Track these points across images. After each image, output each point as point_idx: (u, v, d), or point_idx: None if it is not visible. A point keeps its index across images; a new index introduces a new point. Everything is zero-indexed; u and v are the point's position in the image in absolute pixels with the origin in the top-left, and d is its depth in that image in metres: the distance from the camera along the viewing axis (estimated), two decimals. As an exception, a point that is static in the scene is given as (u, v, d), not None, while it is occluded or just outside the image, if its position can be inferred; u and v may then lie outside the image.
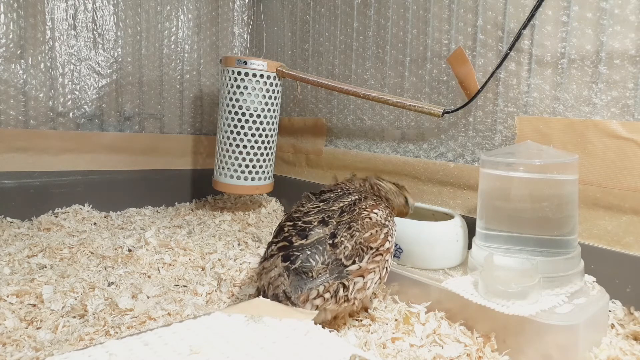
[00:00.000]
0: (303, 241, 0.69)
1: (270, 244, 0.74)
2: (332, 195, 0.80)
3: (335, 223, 0.72)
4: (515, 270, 0.70)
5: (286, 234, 0.72)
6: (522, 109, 0.96)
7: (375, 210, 0.77)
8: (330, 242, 0.69)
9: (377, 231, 0.74)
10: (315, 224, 0.72)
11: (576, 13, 0.87)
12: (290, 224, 0.74)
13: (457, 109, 1.05)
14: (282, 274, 0.67)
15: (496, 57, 1.00)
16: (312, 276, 0.67)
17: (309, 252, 0.68)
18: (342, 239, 0.70)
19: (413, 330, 0.73)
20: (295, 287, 0.66)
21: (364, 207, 0.76)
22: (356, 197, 0.79)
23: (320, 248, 0.69)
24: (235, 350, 0.52)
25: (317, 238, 0.70)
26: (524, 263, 0.72)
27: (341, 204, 0.76)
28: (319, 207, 0.76)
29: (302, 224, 0.72)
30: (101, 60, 1.47)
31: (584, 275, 0.78)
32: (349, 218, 0.73)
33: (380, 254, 0.73)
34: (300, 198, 0.83)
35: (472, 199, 1.04)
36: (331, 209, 0.75)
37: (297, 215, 0.76)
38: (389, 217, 0.79)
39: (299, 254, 0.68)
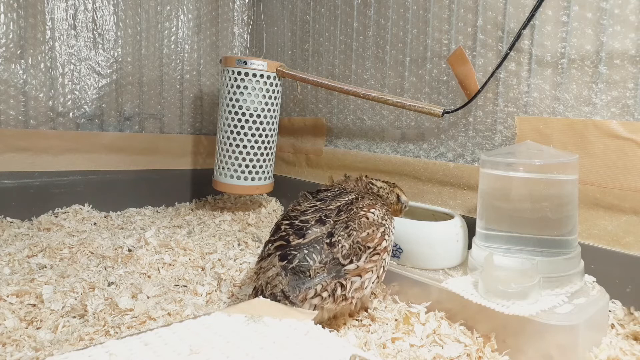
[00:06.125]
0: (300, 240, 0.69)
1: (267, 243, 0.74)
2: (329, 195, 0.80)
3: (332, 222, 0.72)
4: (515, 270, 0.70)
5: (283, 233, 0.72)
6: (522, 109, 0.96)
7: (372, 210, 0.77)
8: (328, 241, 0.69)
9: (373, 231, 0.74)
10: (313, 223, 0.72)
11: (576, 13, 0.87)
12: (287, 222, 0.74)
13: (457, 109, 1.05)
14: (280, 273, 0.67)
15: (496, 57, 1.00)
16: (310, 275, 0.67)
17: (306, 251, 0.68)
18: (340, 238, 0.70)
19: (413, 330, 0.73)
20: (293, 287, 0.66)
21: (360, 206, 0.76)
22: (353, 196, 0.79)
23: (318, 247, 0.69)
24: (235, 350, 0.52)
25: (314, 237, 0.70)
26: (524, 263, 0.72)
27: (338, 204, 0.76)
28: (316, 206, 0.76)
29: (300, 223, 0.72)
30: (101, 60, 1.47)
31: (584, 275, 0.78)
32: (346, 217, 0.73)
33: (378, 253, 0.73)
34: (298, 197, 0.83)
35: (472, 199, 1.04)
36: (328, 208, 0.75)
37: (294, 214, 0.75)
38: (386, 216, 0.79)
39: (296, 253, 0.68)
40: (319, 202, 0.77)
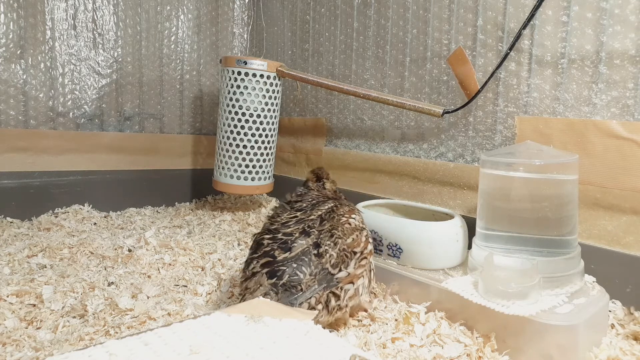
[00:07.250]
0: (287, 254, 0.67)
1: (250, 261, 0.70)
2: (306, 205, 0.77)
3: (317, 232, 0.70)
4: (515, 270, 0.70)
5: (267, 249, 0.69)
6: (522, 109, 0.96)
7: (353, 216, 0.76)
8: (315, 252, 0.68)
9: (357, 235, 0.73)
10: (297, 235, 0.69)
11: (576, 13, 0.87)
12: (269, 237, 0.70)
13: (457, 109, 1.05)
14: (269, 292, 0.65)
15: (496, 57, 0.99)
16: (302, 289, 0.65)
17: (295, 265, 0.66)
18: (327, 247, 0.68)
19: (413, 330, 0.73)
20: (284, 304, 0.64)
21: (341, 213, 0.75)
22: (332, 204, 0.77)
23: (306, 259, 0.67)
24: (235, 350, 0.52)
25: (301, 250, 0.67)
26: (524, 263, 0.72)
27: (319, 212, 0.74)
28: (296, 217, 0.73)
29: (283, 236, 0.70)
30: (101, 60, 1.47)
31: (584, 275, 0.78)
32: (330, 226, 0.72)
33: (365, 257, 0.73)
34: (274, 208, 0.80)
35: (472, 199, 1.04)
36: (310, 218, 0.73)
37: (274, 227, 0.72)
38: (364, 220, 0.80)
39: (285, 268, 0.65)
40: (299, 213, 0.75)
